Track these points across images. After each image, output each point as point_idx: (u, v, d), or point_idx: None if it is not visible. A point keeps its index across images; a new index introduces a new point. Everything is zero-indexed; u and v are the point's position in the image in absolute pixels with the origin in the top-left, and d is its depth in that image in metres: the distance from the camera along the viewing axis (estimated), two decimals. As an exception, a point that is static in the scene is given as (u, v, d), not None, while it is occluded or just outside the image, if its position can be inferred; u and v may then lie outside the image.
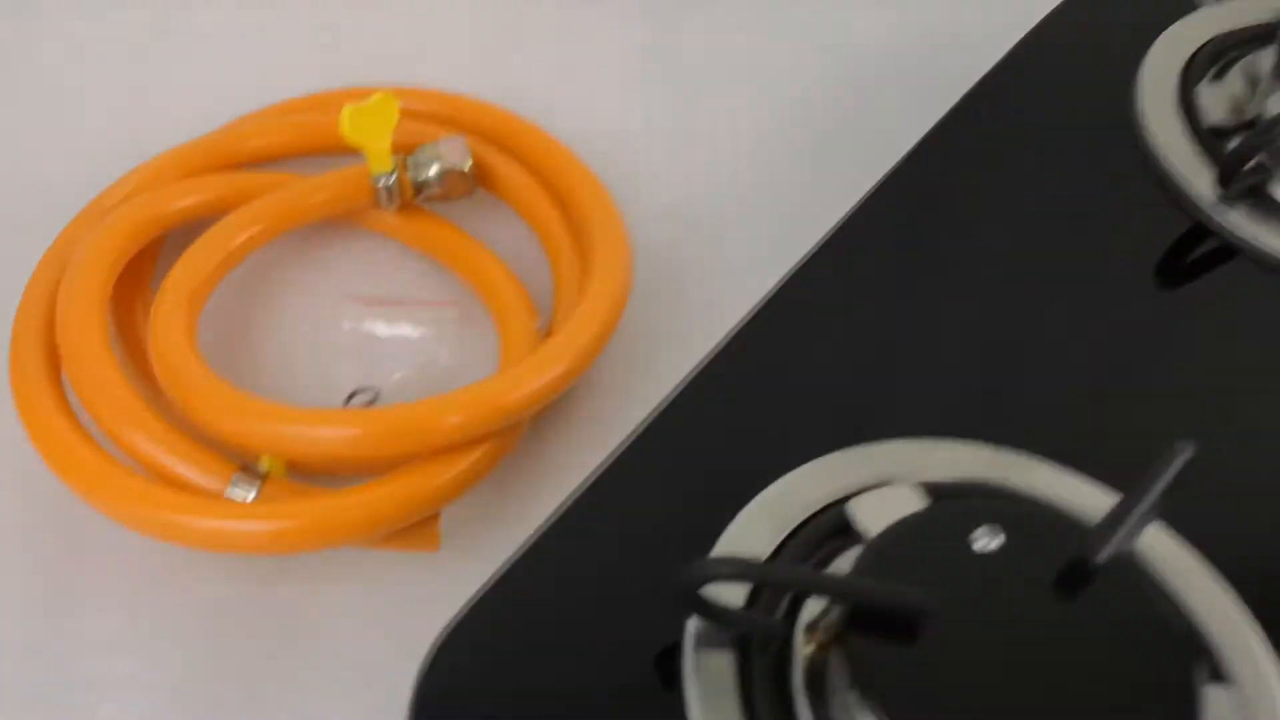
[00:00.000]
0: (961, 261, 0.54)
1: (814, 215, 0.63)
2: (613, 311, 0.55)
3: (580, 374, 0.54)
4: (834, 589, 0.38)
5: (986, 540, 0.39)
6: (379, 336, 0.59)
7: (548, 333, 0.58)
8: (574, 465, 0.55)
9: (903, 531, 0.40)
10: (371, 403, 0.57)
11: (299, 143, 0.63)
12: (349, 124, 0.57)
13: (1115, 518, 0.37)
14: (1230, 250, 0.53)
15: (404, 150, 0.61)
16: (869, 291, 0.53)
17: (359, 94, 0.61)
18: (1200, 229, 0.54)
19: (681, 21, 0.76)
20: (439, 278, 0.63)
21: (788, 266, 0.60)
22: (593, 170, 0.63)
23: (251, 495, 0.49)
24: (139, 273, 0.59)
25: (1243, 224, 0.53)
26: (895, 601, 0.37)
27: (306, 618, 0.52)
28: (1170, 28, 0.60)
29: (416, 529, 0.51)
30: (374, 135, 0.58)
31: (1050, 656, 0.37)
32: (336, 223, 0.63)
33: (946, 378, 0.52)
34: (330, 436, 0.49)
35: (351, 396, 0.57)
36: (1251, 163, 0.52)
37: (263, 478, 0.50)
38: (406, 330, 0.60)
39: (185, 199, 0.59)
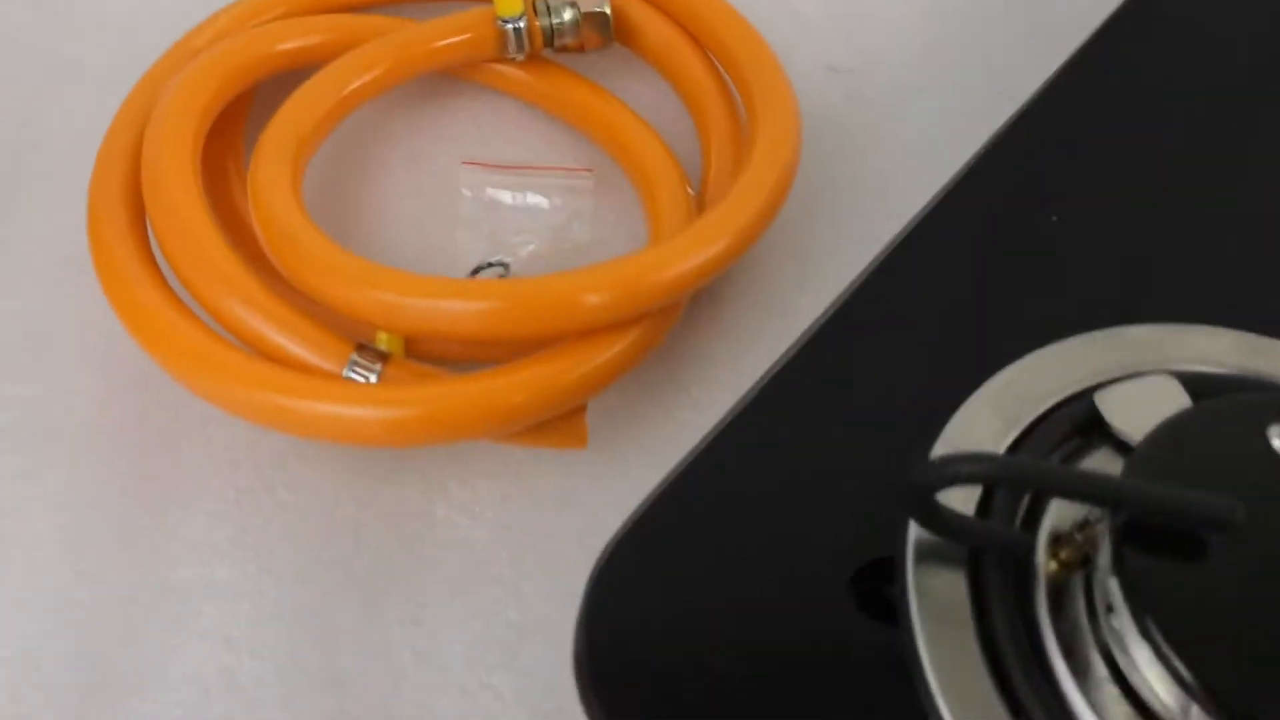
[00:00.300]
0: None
1: (1002, 82, 0.55)
2: (781, 181, 0.47)
3: (744, 251, 0.46)
4: (1121, 496, 0.31)
5: (1284, 436, 0.31)
6: (504, 204, 0.52)
7: (700, 205, 0.50)
8: (730, 358, 0.48)
9: (1181, 428, 0.33)
10: (501, 277, 0.49)
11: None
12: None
13: None
14: None
15: None
16: (1081, 164, 0.45)
17: None
18: None
19: None
20: (570, 141, 0.55)
21: (970, 140, 0.52)
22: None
23: (373, 378, 0.42)
24: (230, 129, 0.52)
25: None
26: (1197, 510, 0.30)
27: (432, 521, 0.44)
28: None
29: (561, 423, 0.44)
30: (505, -30, 0.50)
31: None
32: (450, 78, 0.55)
33: (1184, 257, 0.44)
34: (460, 311, 0.42)
35: (478, 270, 0.50)
36: None
37: (384, 358, 0.42)
38: (535, 199, 0.52)
39: (286, 41, 0.51)
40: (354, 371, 0.42)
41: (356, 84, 0.49)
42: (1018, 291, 0.42)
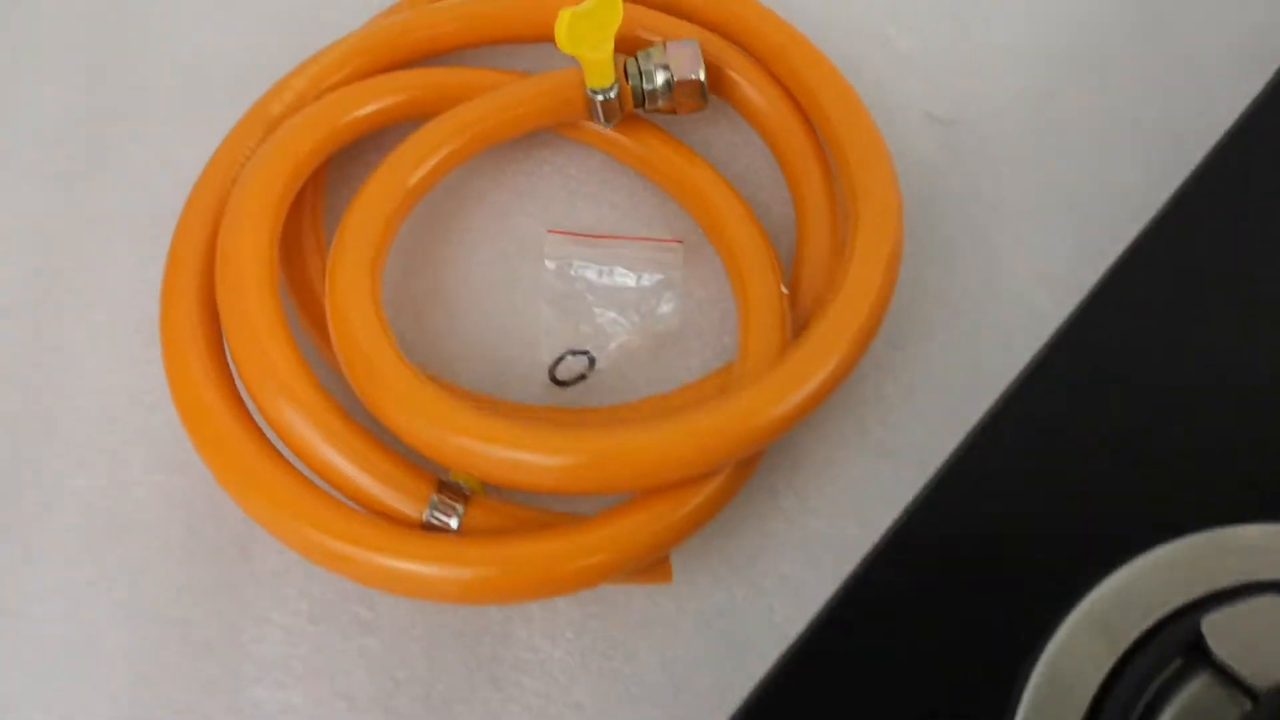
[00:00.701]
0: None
1: (1121, 151, 0.52)
2: (882, 294, 0.45)
3: (846, 377, 0.44)
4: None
5: None
6: (589, 279, 0.50)
7: (791, 290, 0.48)
8: (821, 464, 0.46)
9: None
10: (583, 376, 0.48)
11: (497, 29, 0.52)
12: (566, 33, 0.46)
13: None
14: None
15: (622, 47, 0.50)
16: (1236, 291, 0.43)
17: None
18: None
19: None
20: (659, 202, 0.53)
21: (1079, 222, 0.50)
22: (841, 73, 0.51)
23: (454, 522, 0.41)
24: (308, 192, 0.50)
25: None
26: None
27: (510, 642, 0.44)
28: None
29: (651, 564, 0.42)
30: (595, 44, 0.47)
31: None
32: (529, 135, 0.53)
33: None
34: (540, 465, 0.40)
35: (560, 361, 0.48)
36: None
37: (466, 499, 0.41)
38: (622, 274, 0.50)
39: (368, 104, 0.49)
40: (435, 515, 0.41)
41: (433, 162, 0.48)
42: (1121, 478, 0.40)
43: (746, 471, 0.44)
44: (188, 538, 0.46)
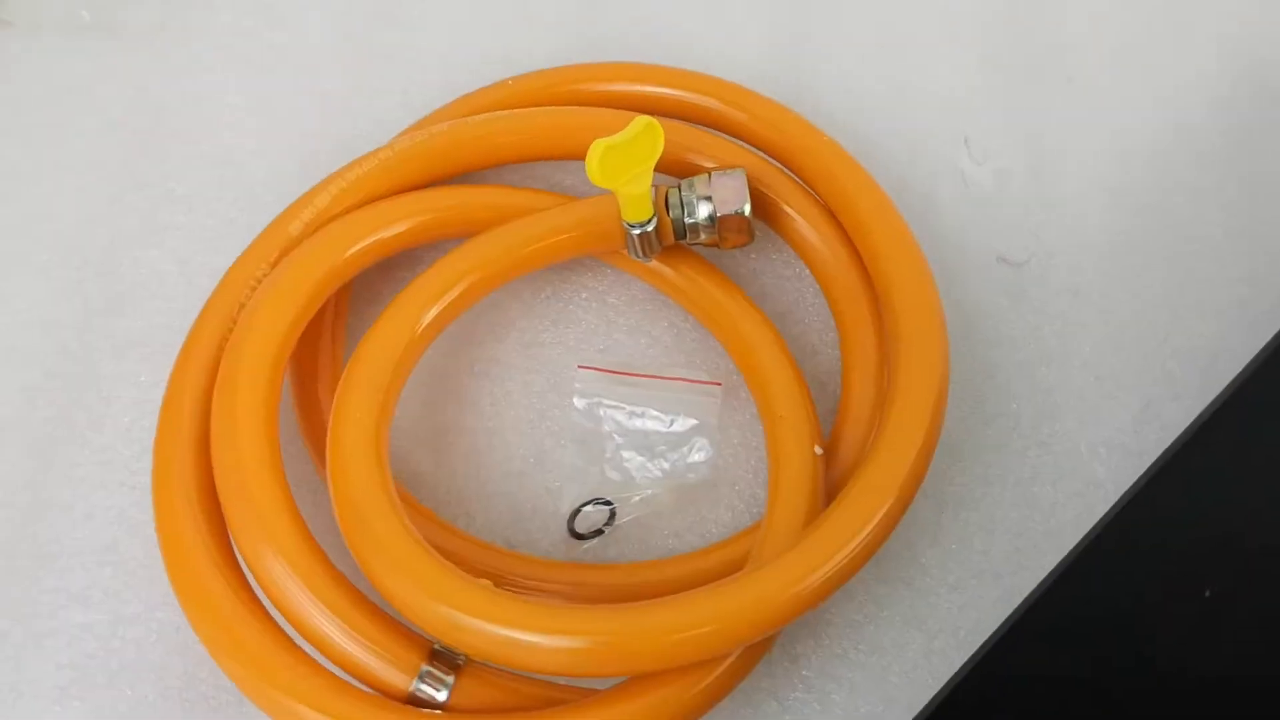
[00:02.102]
0: None
1: (1200, 308, 0.48)
2: (919, 460, 0.42)
3: (877, 551, 0.40)
4: None
5: None
6: (619, 421, 0.47)
7: (831, 444, 0.45)
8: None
9: None
10: (600, 531, 0.45)
11: (536, 146, 0.49)
12: (598, 167, 0.43)
13: None
14: None
15: (666, 169, 0.48)
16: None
17: (599, 74, 0.52)
18: None
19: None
20: (698, 337, 0.50)
21: (1145, 395, 0.46)
22: (896, 209, 0.48)
23: (443, 694, 0.38)
24: (329, 305, 0.48)
25: None
26: None
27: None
28: None
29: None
30: (630, 178, 0.44)
31: None
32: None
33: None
34: (543, 647, 0.37)
35: (578, 511, 0.45)
36: None
37: (459, 668, 0.38)
38: (654, 417, 0.47)
39: (389, 226, 0.48)
40: (424, 685, 0.39)
41: (447, 300, 0.46)
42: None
43: (766, 644, 0.41)
44: (184, 685, 0.44)
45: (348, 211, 0.48)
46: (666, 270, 0.49)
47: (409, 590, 0.38)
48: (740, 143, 0.51)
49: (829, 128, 0.51)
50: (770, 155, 0.51)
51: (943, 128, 0.54)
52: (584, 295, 0.51)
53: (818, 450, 0.44)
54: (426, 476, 0.48)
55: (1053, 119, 0.54)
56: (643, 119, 0.44)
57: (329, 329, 0.49)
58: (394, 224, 0.47)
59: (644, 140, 0.44)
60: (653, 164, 0.45)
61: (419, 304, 0.45)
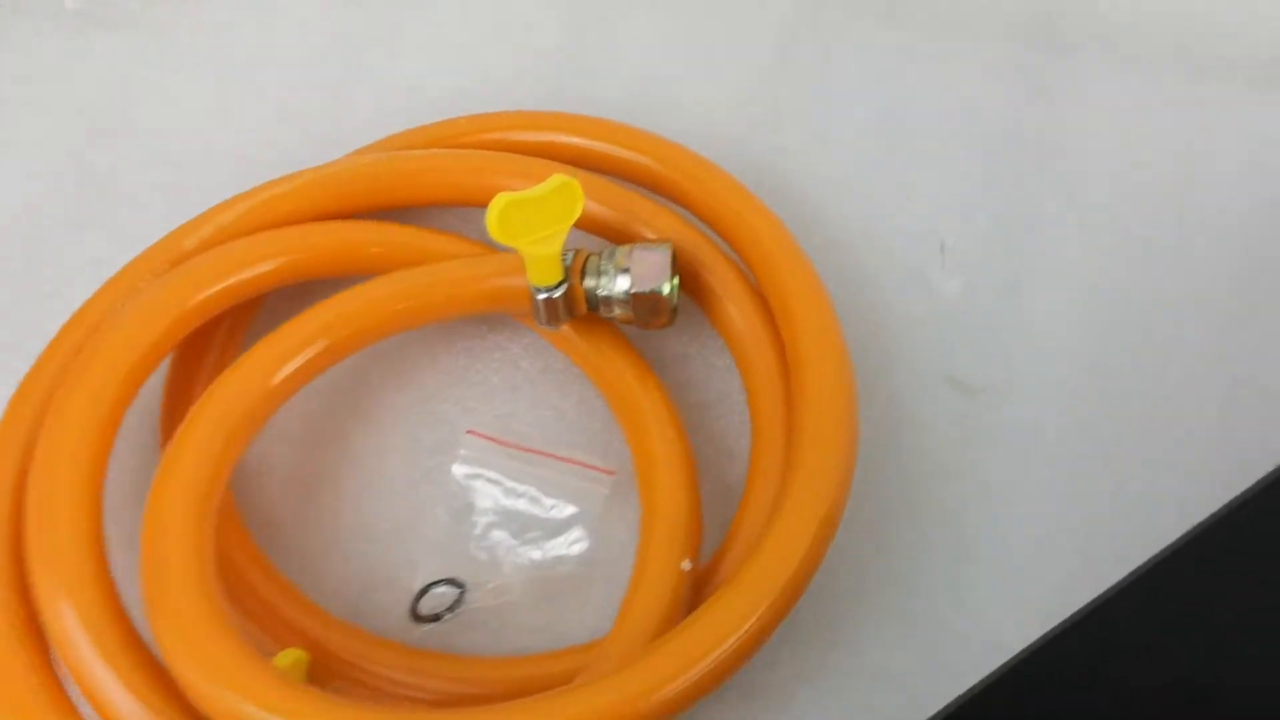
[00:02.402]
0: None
1: (1159, 467, 0.43)
2: (787, 595, 0.37)
3: (717, 687, 0.36)
4: None
5: None
6: (496, 496, 0.43)
7: (718, 557, 0.40)
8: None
9: None
10: (438, 617, 0.41)
11: (457, 189, 0.46)
12: (498, 222, 0.39)
13: None
14: None
15: (601, 231, 0.45)
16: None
17: (526, 122, 0.48)
18: None
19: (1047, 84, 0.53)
20: (605, 416, 0.46)
21: (1087, 536, 0.41)
22: (830, 305, 0.43)
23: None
24: (219, 334, 0.45)
25: None
26: None
27: None
28: None
29: None
30: (538, 239, 0.40)
31: None
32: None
33: None
34: None
35: (425, 591, 0.41)
36: None
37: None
38: (533, 499, 0.43)
39: (264, 262, 0.43)
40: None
41: (311, 353, 0.41)
42: None
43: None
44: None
45: (252, 232, 0.45)
46: (580, 342, 0.45)
47: (191, 667, 0.35)
48: (687, 214, 0.46)
49: (797, 209, 0.47)
50: (714, 230, 0.46)
51: (920, 230, 0.49)
52: (497, 356, 0.48)
53: (685, 565, 0.39)
54: (287, 525, 0.44)
55: (1044, 241, 0.49)
56: (559, 177, 0.41)
57: (216, 356, 0.45)
58: (259, 263, 0.44)
59: (557, 199, 0.40)
60: (566, 226, 0.41)
61: (271, 359, 0.41)
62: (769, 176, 0.51)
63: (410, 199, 0.47)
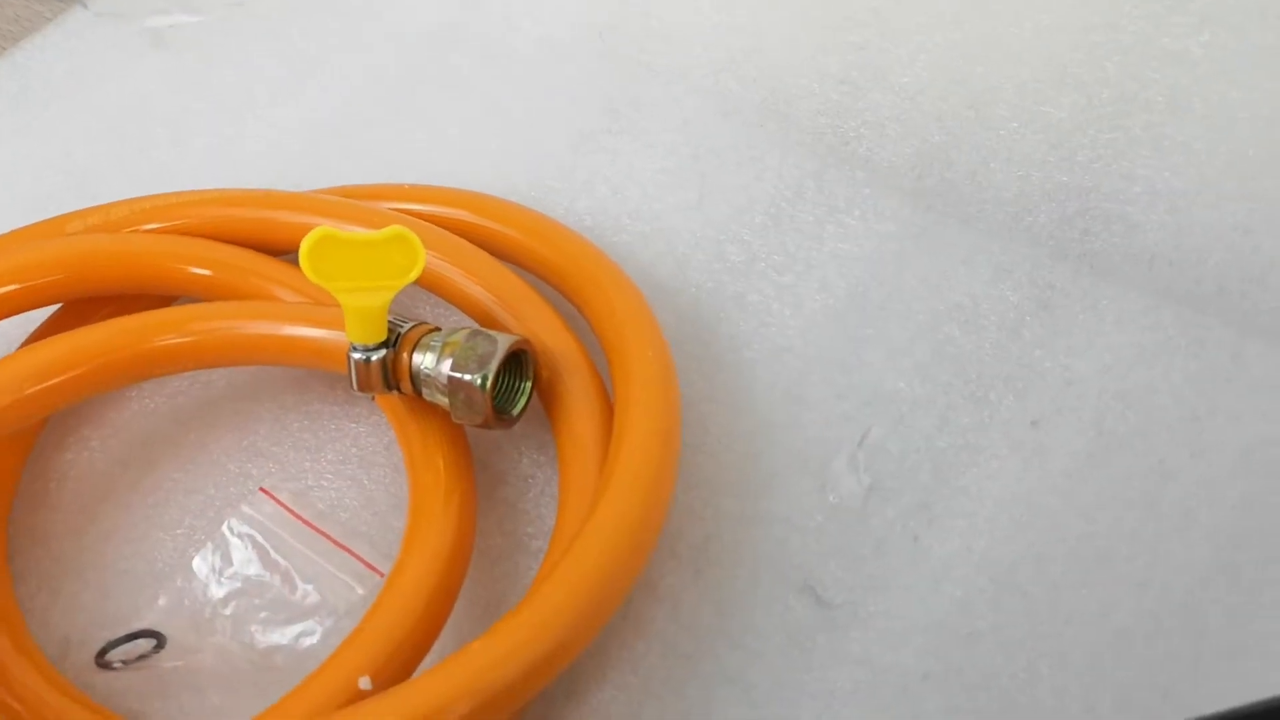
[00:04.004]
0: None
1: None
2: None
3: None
4: None
5: None
6: (249, 573, 0.38)
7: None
8: None
9: None
10: (111, 666, 0.36)
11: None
12: (310, 256, 0.35)
13: None
14: None
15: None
16: None
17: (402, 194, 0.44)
18: None
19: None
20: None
21: None
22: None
23: None
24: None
25: None
26: None
27: None
28: None
29: None
30: (358, 284, 0.36)
31: None
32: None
33: None
34: None
35: (117, 643, 0.36)
36: None
37: None
38: (285, 578, 0.38)
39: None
40: None
41: (55, 380, 0.38)
42: None
43: None
44: None
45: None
46: (412, 427, 0.40)
47: None
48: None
49: (729, 357, 0.42)
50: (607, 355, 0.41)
51: (849, 414, 0.43)
52: (338, 427, 0.43)
53: (363, 682, 0.34)
54: (55, 536, 0.41)
55: (980, 472, 0.42)
56: (397, 228, 0.37)
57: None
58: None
59: (391, 251, 0.36)
60: (397, 283, 0.37)
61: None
62: (724, 323, 0.45)
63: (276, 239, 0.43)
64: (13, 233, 0.43)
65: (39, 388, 0.37)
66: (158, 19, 0.59)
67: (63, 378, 0.38)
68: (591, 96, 0.53)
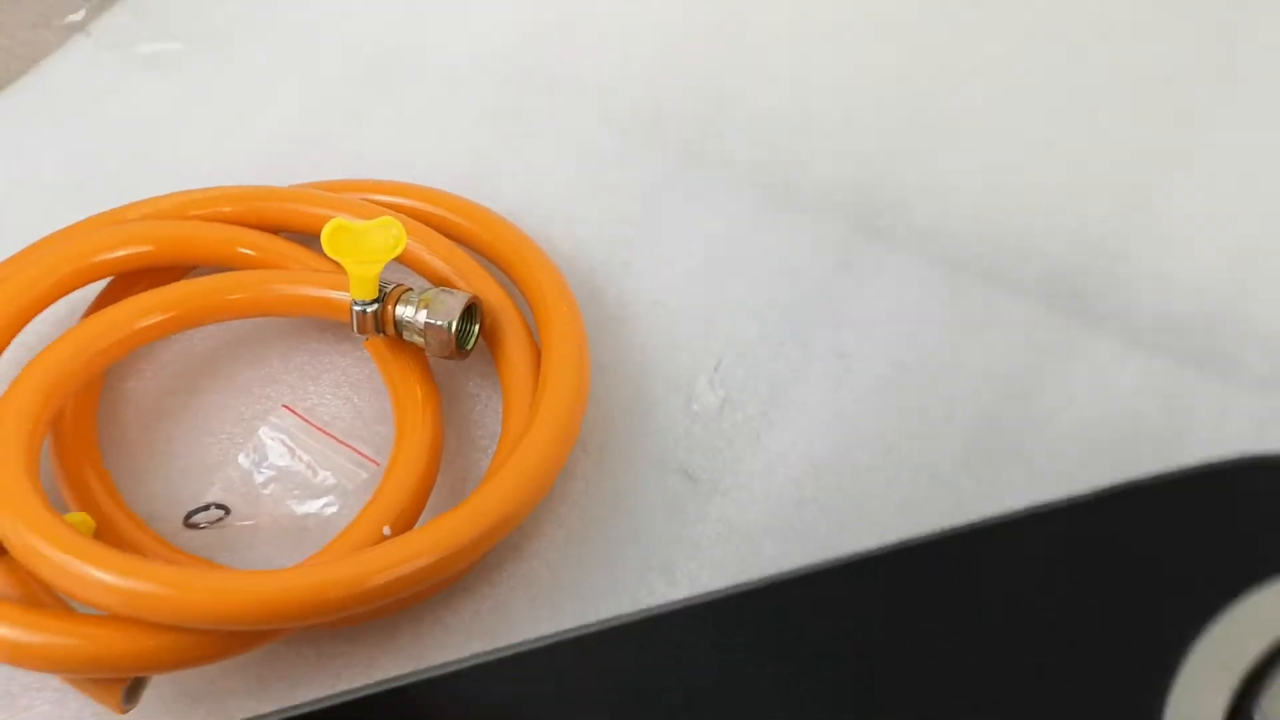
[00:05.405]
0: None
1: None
2: (447, 550, 0.47)
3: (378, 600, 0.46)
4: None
5: None
6: (282, 464, 0.54)
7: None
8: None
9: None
10: (215, 520, 0.52)
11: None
12: (329, 240, 0.51)
13: None
14: None
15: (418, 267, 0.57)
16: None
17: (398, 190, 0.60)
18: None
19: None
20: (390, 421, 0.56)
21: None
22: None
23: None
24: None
25: None
26: None
27: None
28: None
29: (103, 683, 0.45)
30: (362, 259, 0.52)
31: None
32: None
33: None
34: (84, 578, 0.45)
35: (197, 511, 0.52)
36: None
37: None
38: (307, 469, 0.53)
39: (112, 250, 0.56)
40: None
41: (144, 324, 0.54)
42: None
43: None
44: None
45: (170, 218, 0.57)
46: (390, 359, 0.56)
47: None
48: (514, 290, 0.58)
49: (618, 310, 0.58)
50: (529, 303, 0.58)
51: (707, 349, 0.60)
52: (330, 360, 0.59)
53: (386, 530, 0.50)
54: (132, 444, 0.56)
55: (805, 387, 0.59)
56: (387, 218, 0.52)
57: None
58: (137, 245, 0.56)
59: (382, 234, 0.52)
60: (385, 258, 0.52)
61: (100, 329, 0.53)
62: (612, 284, 0.61)
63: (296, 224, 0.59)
64: (90, 219, 0.57)
65: (145, 324, 0.53)
66: (148, 45, 0.73)
67: (160, 318, 0.53)
68: (510, 107, 0.69)
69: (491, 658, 0.42)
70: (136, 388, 0.57)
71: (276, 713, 0.42)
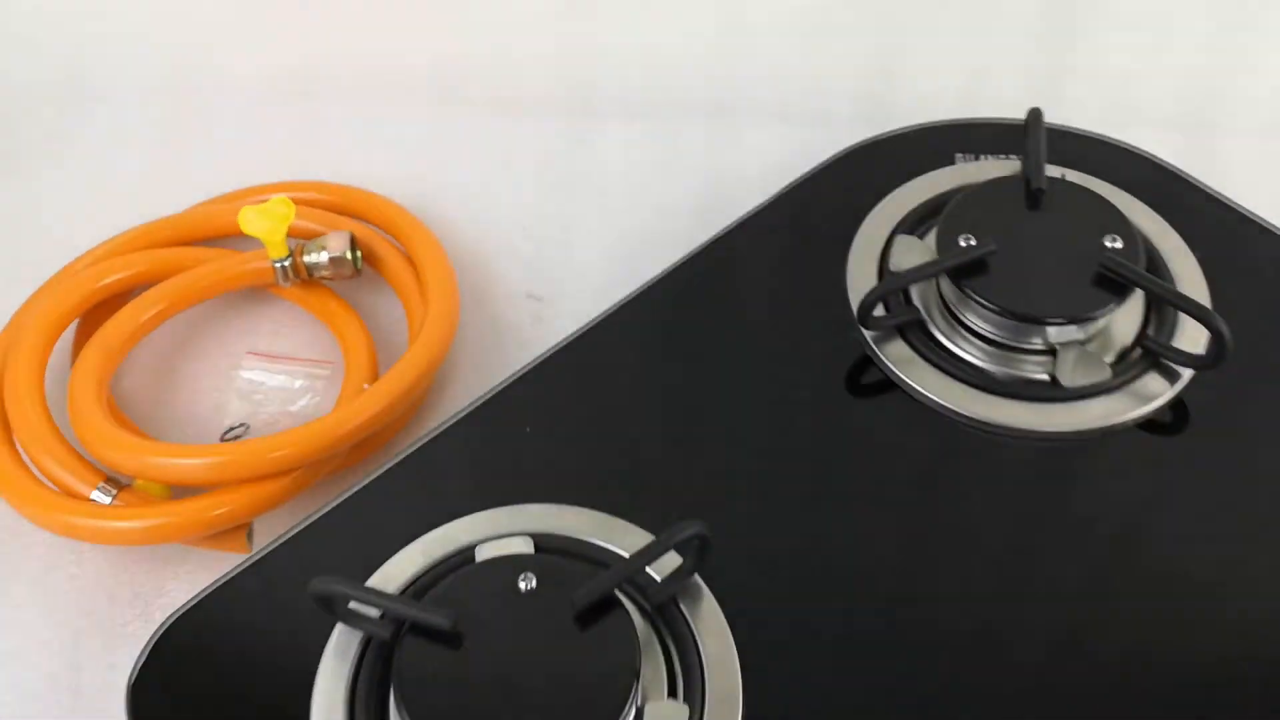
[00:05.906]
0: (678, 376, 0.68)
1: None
2: (410, 382, 0.71)
3: (377, 426, 0.70)
4: (384, 605, 0.53)
5: (526, 583, 0.53)
6: (266, 385, 0.77)
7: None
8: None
9: (468, 573, 0.55)
10: (241, 435, 0.75)
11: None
12: (245, 222, 0.74)
13: (614, 573, 0.53)
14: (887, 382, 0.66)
15: (307, 237, 0.79)
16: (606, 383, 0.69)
17: (285, 188, 0.82)
18: (867, 361, 0.67)
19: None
20: (329, 340, 0.80)
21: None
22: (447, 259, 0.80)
23: (109, 500, 0.67)
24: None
25: (894, 360, 0.65)
26: (423, 618, 0.52)
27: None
28: (908, 184, 0.73)
29: (227, 535, 0.68)
30: (270, 230, 0.75)
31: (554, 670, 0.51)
32: (259, 290, 0.81)
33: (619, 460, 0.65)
34: (177, 466, 0.67)
35: (229, 431, 0.75)
36: (881, 308, 0.64)
37: (120, 487, 0.68)
38: (285, 380, 0.77)
39: (113, 275, 0.78)
40: (96, 495, 0.68)
41: (149, 314, 0.75)
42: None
43: (311, 479, 0.70)
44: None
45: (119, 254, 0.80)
46: (307, 295, 0.80)
47: (101, 445, 0.68)
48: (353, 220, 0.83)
49: (454, 213, 0.84)
50: (391, 234, 0.82)
51: (516, 221, 0.86)
52: (257, 319, 0.82)
53: (365, 386, 0.74)
54: (154, 402, 0.78)
55: (582, 225, 0.86)
56: (278, 197, 0.76)
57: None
58: (119, 272, 0.79)
59: (279, 209, 0.76)
60: (286, 224, 0.76)
61: (131, 315, 0.76)
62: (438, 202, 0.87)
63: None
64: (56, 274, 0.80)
65: (147, 316, 0.75)
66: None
67: (157, 309, 0.76)
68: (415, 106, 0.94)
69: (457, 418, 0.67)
70: (136, 386, 0.79)
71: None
